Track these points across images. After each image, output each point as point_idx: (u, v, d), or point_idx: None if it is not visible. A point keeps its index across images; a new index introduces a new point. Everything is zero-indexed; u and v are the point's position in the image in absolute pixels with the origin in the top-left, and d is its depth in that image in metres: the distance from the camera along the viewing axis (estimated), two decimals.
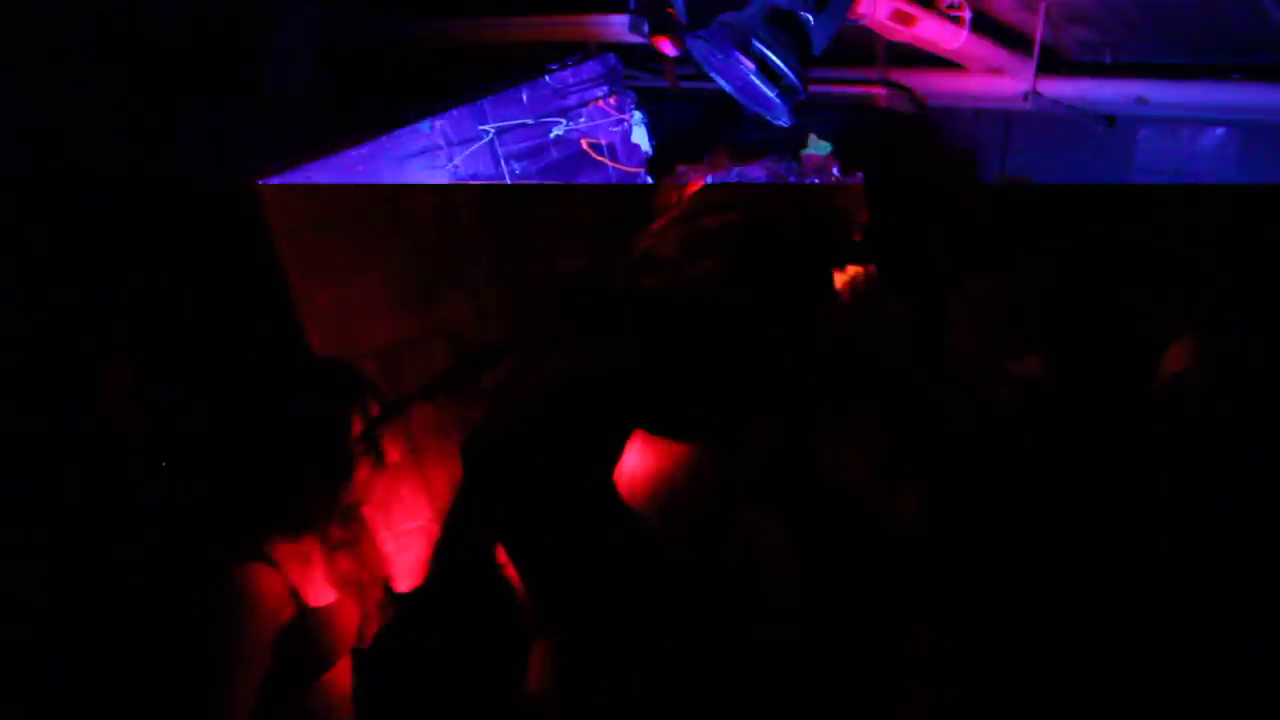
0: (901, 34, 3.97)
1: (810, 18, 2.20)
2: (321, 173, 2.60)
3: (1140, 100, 4.61)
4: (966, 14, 4.09)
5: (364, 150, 2.59)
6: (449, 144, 2.64)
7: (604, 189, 2.65)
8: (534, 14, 3.33)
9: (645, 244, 2.14)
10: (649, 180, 2.73)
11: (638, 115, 2.71)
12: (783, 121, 2.26)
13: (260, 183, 2.59)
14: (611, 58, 2.71)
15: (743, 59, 2.12)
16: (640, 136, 2.71)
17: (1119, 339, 3.29)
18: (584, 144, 2.68)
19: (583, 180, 2.68)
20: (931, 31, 4.23)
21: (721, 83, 2.24)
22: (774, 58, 2.12)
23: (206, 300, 2.83)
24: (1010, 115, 5.17)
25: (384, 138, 2.62)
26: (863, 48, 4.59)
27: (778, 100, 2.15)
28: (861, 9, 2.57)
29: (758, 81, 2.12)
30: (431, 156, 2.62)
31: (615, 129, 2.70)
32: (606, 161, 2.69)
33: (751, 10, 2.16)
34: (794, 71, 2.14)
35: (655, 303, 2.03)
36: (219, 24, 3.03)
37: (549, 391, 1.86)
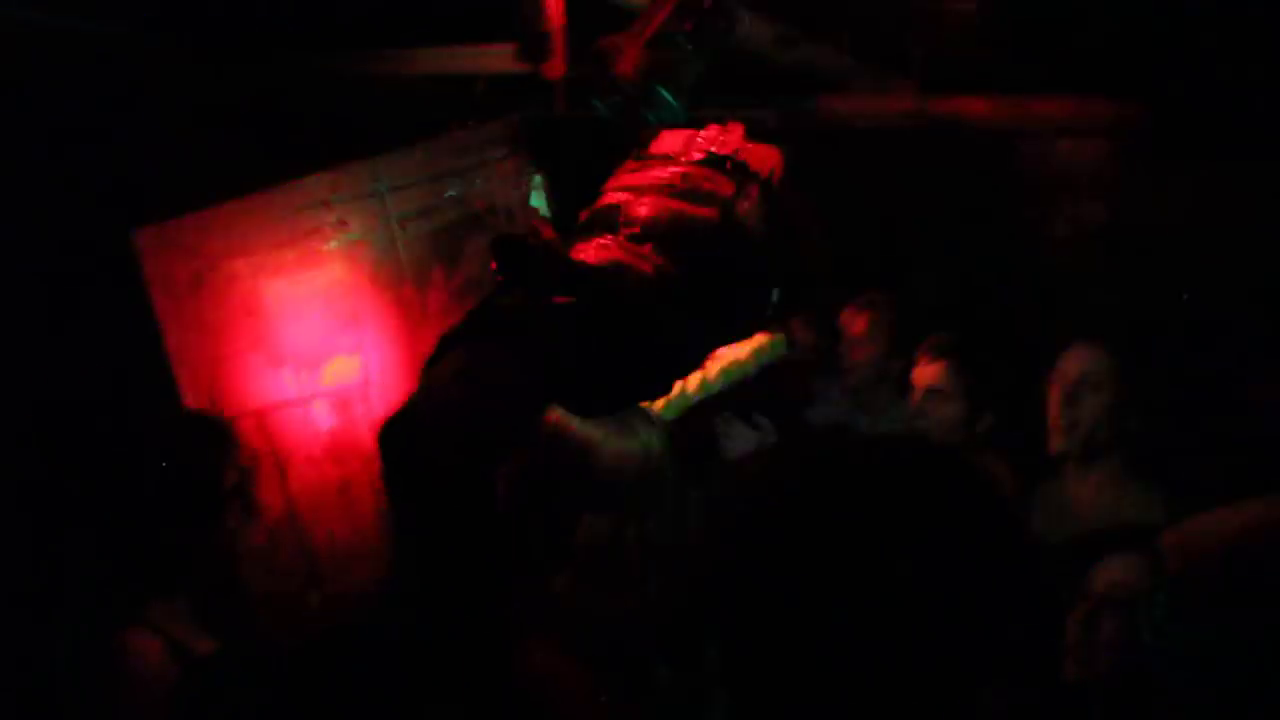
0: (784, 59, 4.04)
1: (688, 45, 2.19)
2: (203, 225, 2.52)
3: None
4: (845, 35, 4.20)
5: (248, 203, 2.51)
6: (338, 200, 2.55)
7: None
8: (420, 46, 3.30)
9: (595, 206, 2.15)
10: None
11: (537, 179, 2.64)
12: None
13: (138, 233, 2.50)
14: (515, 118, 2.65)
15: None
16: (539, 200, 2.64)
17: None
18: (479, 205, 2.61)
19: (475, 242, 2.60)
20: (814, 56, 4.34)
21: (602, 109, 2.25)
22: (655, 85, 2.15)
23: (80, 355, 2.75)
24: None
25: (271, 190, 2.54)
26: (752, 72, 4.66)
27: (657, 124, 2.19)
28: (743, 34, 2.56)
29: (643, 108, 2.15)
30: (317, 212, 2.53)
31: (514, 191, 2.63)
32: (501, 225, 2.62)
33: None
34: (673, 98, 2.17)
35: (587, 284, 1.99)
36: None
37: (455, 374, 1.90)
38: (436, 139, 2.58)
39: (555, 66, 2.80)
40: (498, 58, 3.14)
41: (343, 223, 2.58)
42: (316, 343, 2.63)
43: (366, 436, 2.50)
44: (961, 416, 3.12)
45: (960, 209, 5.56)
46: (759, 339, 2.94)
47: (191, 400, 2.55)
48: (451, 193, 2.61)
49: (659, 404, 2.37)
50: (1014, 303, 5.07)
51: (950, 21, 4.62)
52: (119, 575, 2.31)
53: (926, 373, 3.21)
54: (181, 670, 2.12)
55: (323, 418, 2.68)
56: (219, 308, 2.56)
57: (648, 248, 2.06)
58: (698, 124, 2.30)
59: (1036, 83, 4.80)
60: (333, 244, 2.58)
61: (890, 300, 3.86)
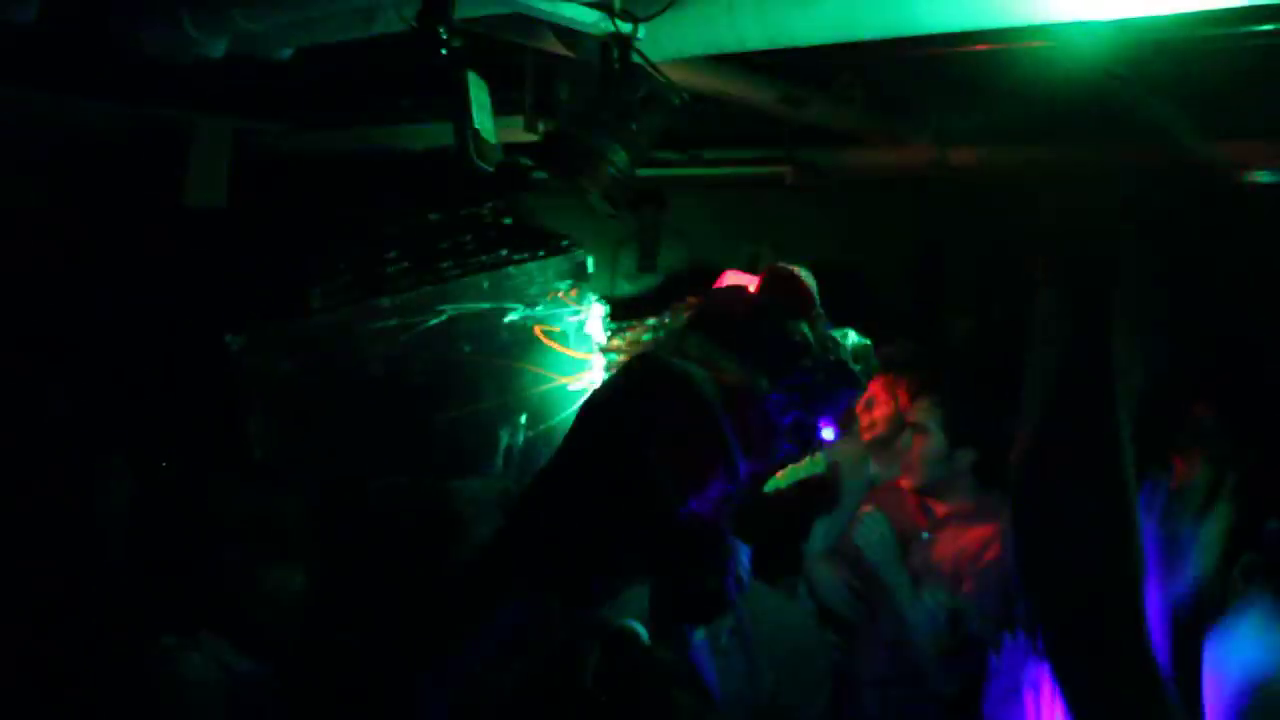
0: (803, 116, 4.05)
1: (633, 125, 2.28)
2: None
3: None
4: (860, 93, 4.20)
5: (328, 320, 2.65)
6: (402, 320, 2.70)
7: None
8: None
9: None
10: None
11: (596, 308, 2.80)
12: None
13: (229, 341, 2.62)
14: (580, 254, 2.78)
15: None
16: (595, 328, 2.81)
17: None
18: (538, 331, 2.76)
19: (529, 362, 2.78)
20: (826, 113, 4.33)
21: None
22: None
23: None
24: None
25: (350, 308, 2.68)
26: (769, 126, 4.67)
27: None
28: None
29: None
30: (385, 331, 2.69)
31: (571, 318, 2.78)
32: (557, 347, 2.78)
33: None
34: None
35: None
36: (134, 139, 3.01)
37: None
38: (505, 269, 2.71)
39: None
40: None
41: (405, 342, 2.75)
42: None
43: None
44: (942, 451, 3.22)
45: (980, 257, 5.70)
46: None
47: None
48: (513, 317, 2.76)
49: None
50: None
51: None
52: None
53: (912, 410, 3.37)
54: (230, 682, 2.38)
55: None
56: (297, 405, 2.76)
57: None
58: None
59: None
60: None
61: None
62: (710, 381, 1.45)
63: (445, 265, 2.66)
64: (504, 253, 2.74)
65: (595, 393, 1.62)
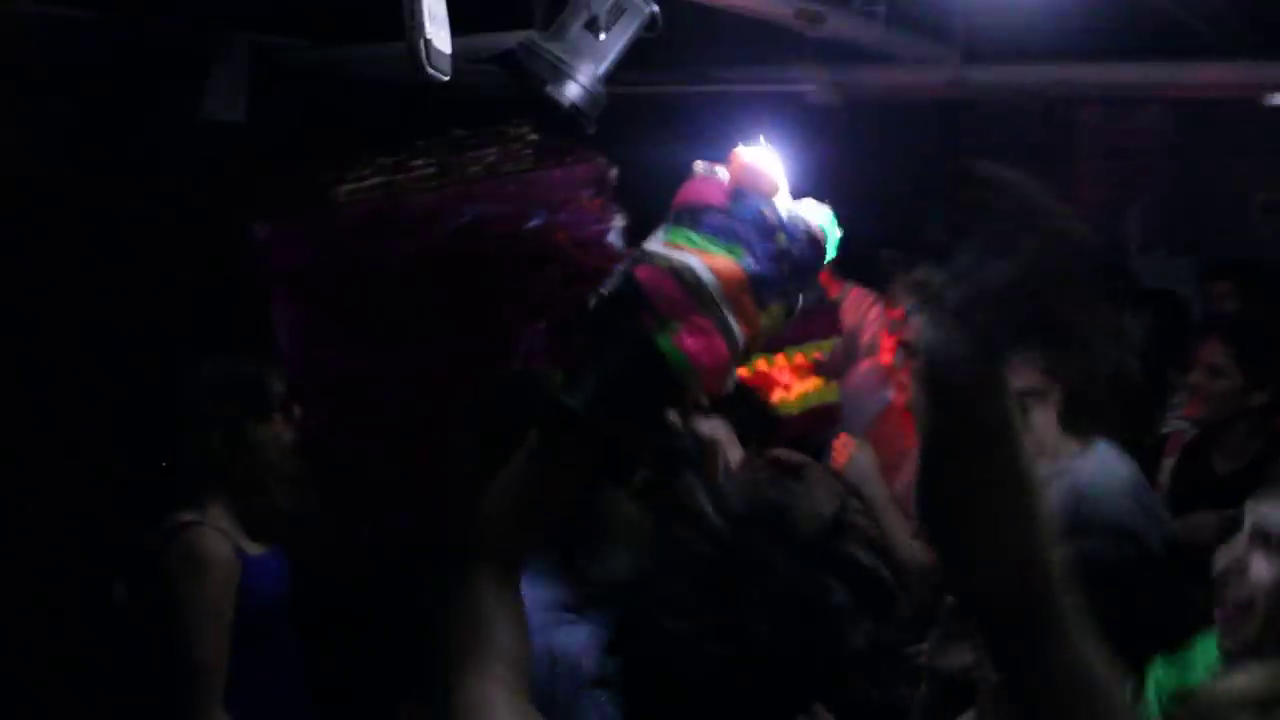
0: (819, 31, 4.03)
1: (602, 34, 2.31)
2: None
3: (1059, 84, 4.83)
4: (882, 9, 4.19)
5: (356, 216, 2.71)
6: (426, 220, 2.74)
7: None
8: None
9: None
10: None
11: (618, 219, 2.83)
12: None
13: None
14: (604, 163, 2.80)
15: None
16: (615, 238, 2.83)
17: None
18: (559, 237, 2.79)
19: (549, 271, 2.81)
20: (847, 28, 4.30)
21: None
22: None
23: None
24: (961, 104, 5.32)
25: (376, 205, 2.73)
26: (793, 41, 4.65)
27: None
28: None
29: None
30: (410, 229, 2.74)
31: (596, 226, 2.81)
32: (579, 255, 2.82)
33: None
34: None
35: None
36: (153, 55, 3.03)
37: None
38: (533, 173, 2.73)
39: None
40: None
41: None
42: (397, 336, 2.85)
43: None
44: None
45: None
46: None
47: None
48: (535, 222, 2.79)
49: None
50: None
51: None
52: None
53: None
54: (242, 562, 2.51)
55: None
56: (317, 298, 2.81)
57: None
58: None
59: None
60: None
61: None
62: (706, 269, 1.47)
63: (472, 171, 2.67)
64: (528, 162, 2.76)
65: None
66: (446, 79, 2.64)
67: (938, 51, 4.82)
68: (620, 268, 1.35)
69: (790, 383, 3.64)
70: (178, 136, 3.06)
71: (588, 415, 1.28)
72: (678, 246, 1.35)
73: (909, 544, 2.80)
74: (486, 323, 2.85)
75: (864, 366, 3.68)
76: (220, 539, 2.51)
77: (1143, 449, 3.36)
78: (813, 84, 4.87)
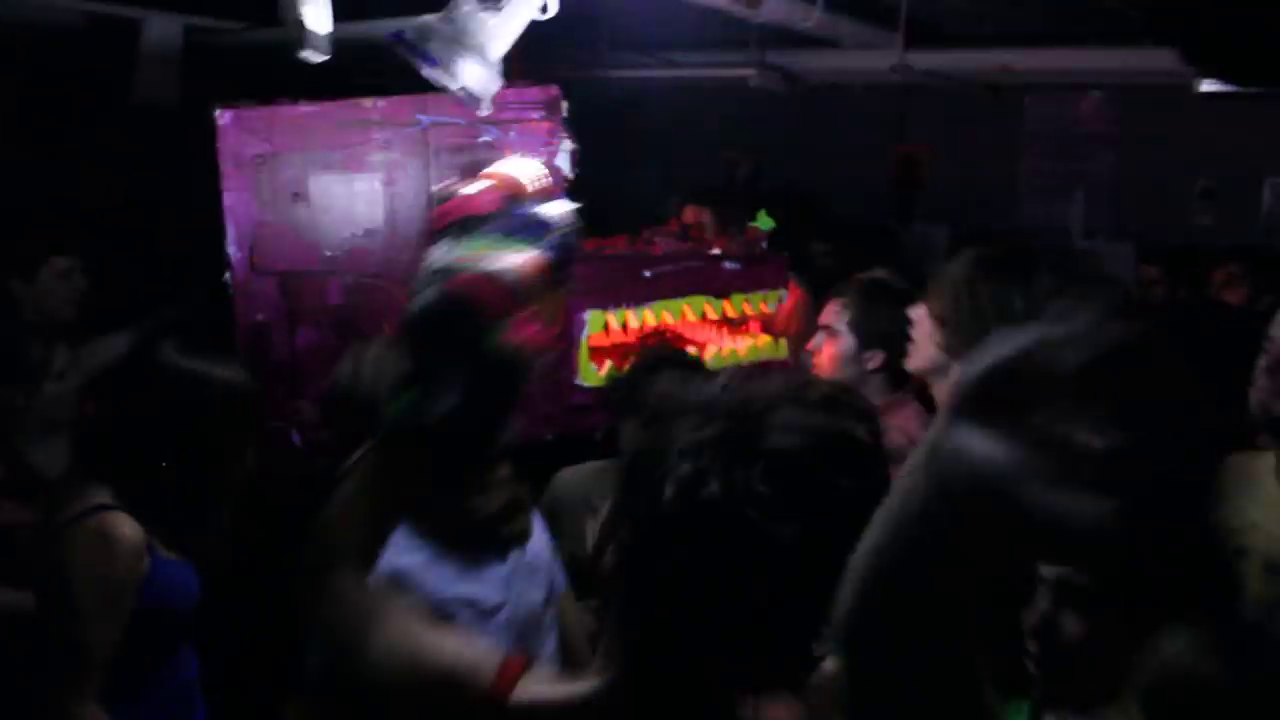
0: (757, 15, 4.15)
1: (489, 18, 2.44)
2: (271, 116, 2.89)
3: (1005, 69, 4.99)
4: None
5: (312, 107, 2.87)
6: (386, 123, 2.91)
7: None
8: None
9: None
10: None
11: (566, 144, 3.00)
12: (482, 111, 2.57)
13: (220, 113, 2.83)
14: (554, 90, 2.98)
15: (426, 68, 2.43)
16: (564, 162, 3.00)
17: None
18: (507, 154, 2.96)
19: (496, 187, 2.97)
20: (782, 12, 4.44)
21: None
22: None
23: None
24: (909, 89, 5.52)
25: (334, 103, 2.89)
26: (739, 29, 4.82)
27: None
28: None
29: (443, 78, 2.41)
30: (366, 129, 2.90)
31: (544, 149, 2.99)
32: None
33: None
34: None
35: None
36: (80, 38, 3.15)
37: None
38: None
39: None
40: None
41: (387, 143, 2.94)
42: (344, 231, 3.01)
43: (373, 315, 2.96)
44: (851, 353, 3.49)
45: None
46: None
47: (233, 251, 2.92)
48: (486, 138, 2.96)
49: None
50: None
51: None
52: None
53: (825, 313, 3.65)
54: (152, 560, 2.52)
55: (335, 292, 3.08)
56: (271, 184, 2.93)
57: None
58: None
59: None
60: (375, 157, 2.95)
61: None
62: (514, 267, 1.54)
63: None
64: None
65: None
66: (324, 59, 2.85)
67: (881, 37, 5.04)
68: (427, 287, 1.44)
69: (725, 340, 3.65)
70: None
71: (442, 428, 1.39)
72: (479, 253, 1.50)
73: None
74: (430, 229, 3.01)
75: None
76: (133, 524, 2.51)
77: None
78: (754, 69, 5.07)
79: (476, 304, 1.41)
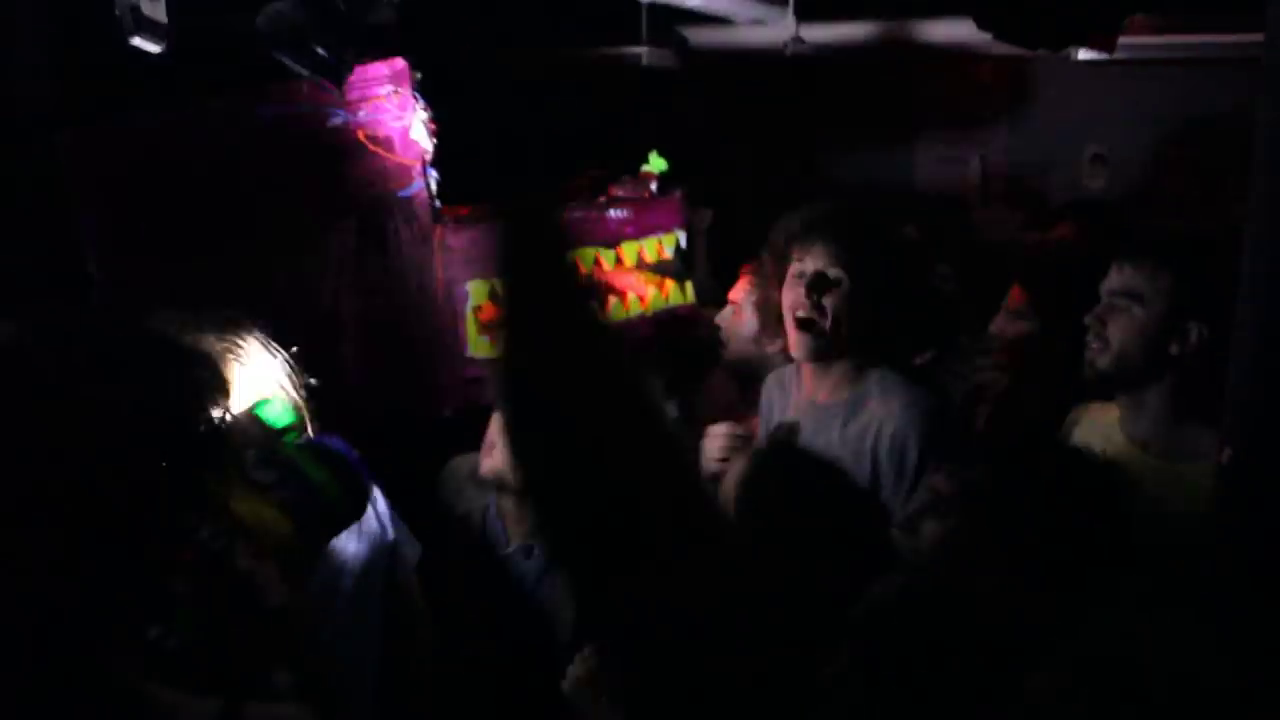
0: None
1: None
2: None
3: (896, 41, 5.02)
4: None
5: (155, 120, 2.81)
6: (226, 124, 2.86)
7: None
8: None
9: None
10: (432, 174, 3.00)
11: (420, 113, 2.96)
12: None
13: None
14: (399, 62, 2.94)
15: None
16: (420, 133, 2.96)
17: None
18: (360, 135, 2.91)
19: (357, 170, 2.94)
20: None
21: None
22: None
23: None
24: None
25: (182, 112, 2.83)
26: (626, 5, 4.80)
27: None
28: None
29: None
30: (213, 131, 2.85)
31: (396, 123, 2.94)
32: (381, 153, 2.94)
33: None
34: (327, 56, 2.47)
35: None
36: None
37: None
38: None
39: None
40: None
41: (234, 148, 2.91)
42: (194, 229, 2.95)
43: None
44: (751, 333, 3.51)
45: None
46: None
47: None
48: (336, 121, 2.91)
49: None
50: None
51: None
52: None
53: (735, 287, 3.66)
54: None
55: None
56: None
57: None
58: None
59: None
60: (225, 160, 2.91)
61: None
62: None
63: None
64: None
65: None
66: (158, 49, 2.79)
67: (773, 12, 5.04)
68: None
69: (638, 287, 3.54)
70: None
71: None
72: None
73: None
74: (293, 225, 2.97)
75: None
76: None
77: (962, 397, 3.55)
78: (645, 47, 5.05)
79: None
